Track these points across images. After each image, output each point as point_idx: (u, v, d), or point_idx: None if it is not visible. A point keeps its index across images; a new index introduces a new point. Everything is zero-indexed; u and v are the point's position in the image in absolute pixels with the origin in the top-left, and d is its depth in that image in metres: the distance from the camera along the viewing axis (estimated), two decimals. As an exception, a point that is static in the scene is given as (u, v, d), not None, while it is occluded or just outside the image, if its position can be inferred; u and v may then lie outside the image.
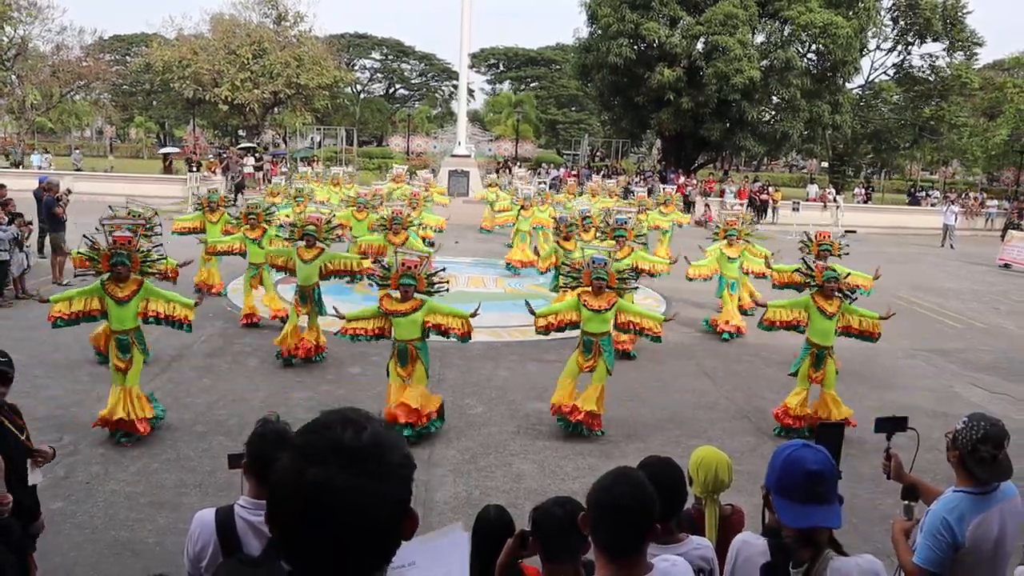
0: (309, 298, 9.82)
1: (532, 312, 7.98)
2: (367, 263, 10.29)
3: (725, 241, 12.29)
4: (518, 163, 40.77)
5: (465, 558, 2.03)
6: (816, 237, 11.05)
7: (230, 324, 11.47)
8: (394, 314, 7.52)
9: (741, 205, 28.01)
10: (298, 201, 16.25)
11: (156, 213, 12.10)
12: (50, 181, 15.46)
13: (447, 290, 8.02)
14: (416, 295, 7.54)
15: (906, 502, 3.44)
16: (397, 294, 7.57)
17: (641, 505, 2.21)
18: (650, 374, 10.09)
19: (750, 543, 2.61)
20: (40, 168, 30.81)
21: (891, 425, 3.54)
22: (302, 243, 9.78)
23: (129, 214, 11.13)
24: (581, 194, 22.96)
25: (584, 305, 7.87)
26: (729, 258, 12.20)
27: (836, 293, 8.11)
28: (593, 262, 8.04)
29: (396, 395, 7.53)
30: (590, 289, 7.91)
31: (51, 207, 14.34)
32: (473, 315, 7.67)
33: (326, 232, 10.05)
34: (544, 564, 2.75)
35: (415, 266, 7.68)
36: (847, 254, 10.99)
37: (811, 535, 2.39)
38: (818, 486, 2.36)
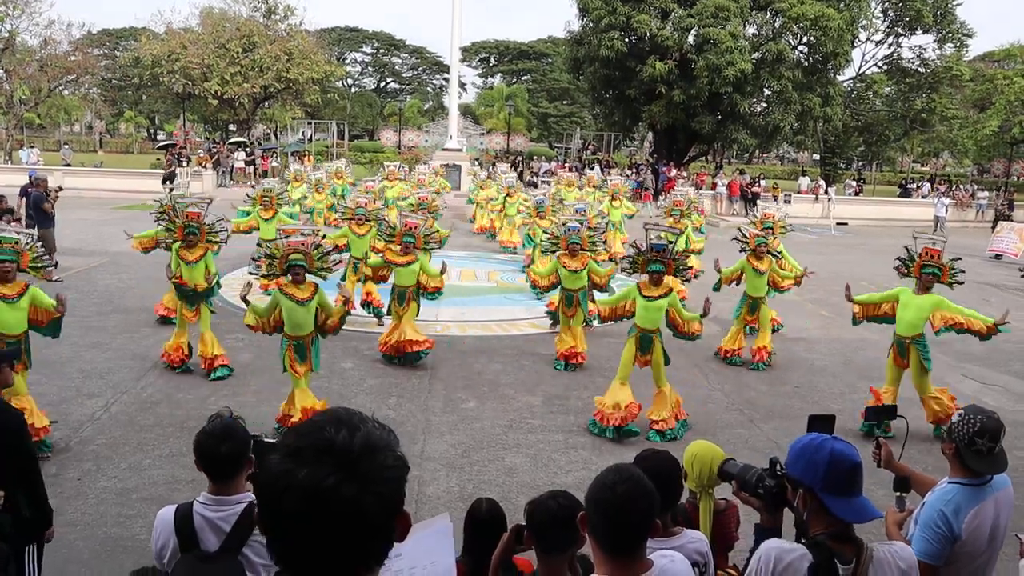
0: (307, 351, 7.37)
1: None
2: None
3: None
4: (497, 158, 40.85)
5: (450, 547, 2.03)
6: (922, 255, 8.27)
7: (222, 319, 11.38)
8: (396, 264, 9.48)
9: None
10: (318, 190, 16.39)
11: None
12: (38, 176, 15.41)
13: (439, 246, 10.66)
14: (414, 251, 9.53)
15: (898, 493, 3.44)
16: (398, 248, 9.50)
17: (644, 504, 2.19)
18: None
19: (786, 549, 2.42)
20: (28, 163, 30.62)
21: (881, 415, 3.54)
22: (287, 279, 7.32)
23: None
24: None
25: (564, 267, 9.74)
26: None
27: (767, 253, 10.10)
28: (568, 230, 9.82)
29: (396, 331, 9.49)
30: (567, 252, 9.73)
31: (40, 202, 14.26)
32: (442, 272, 9.75)
33: (318, 262, 7.52)
34: (539, 557, 2.74)
35: (415, 227, 9.59)
36: (961, 283, 8.38)
37: (847, 530, 2.37)
38: (860, 476, 2.37)
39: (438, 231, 11.01)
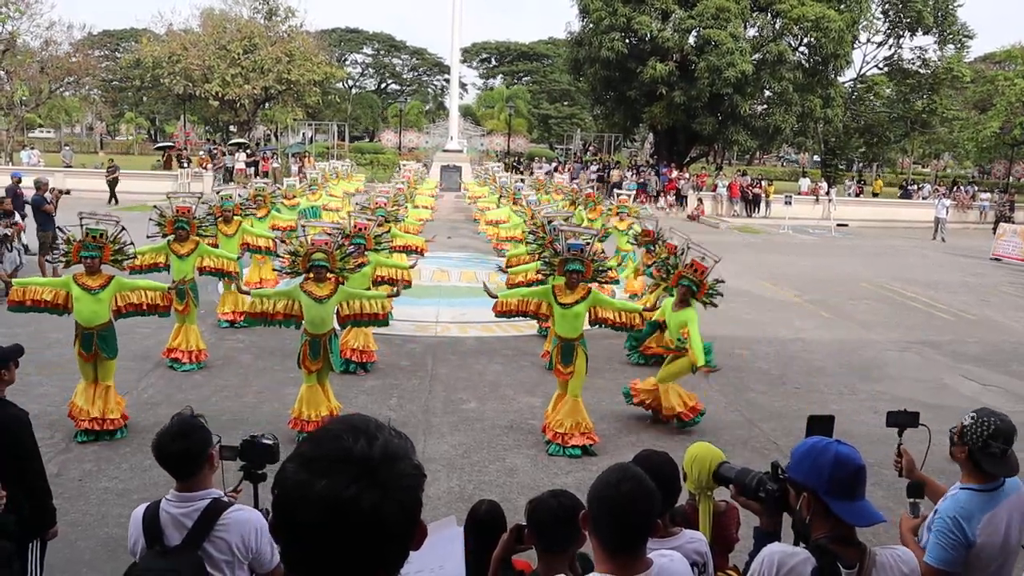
0: (323, 351, 7.19)
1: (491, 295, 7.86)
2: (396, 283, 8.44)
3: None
4: (497, 159, 40.94)
5: (459, 550, 2.04)
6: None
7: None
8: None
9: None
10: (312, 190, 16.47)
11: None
12: (38, 179, 15.33)
13: (390, 251, 10.23)
14: (365, 253, 9.08)
15: (911, 500, 3.42)
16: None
17: (647, 503, 2.20)
18: (639, 368, 10.10)
19: (788, 553, 2.42)
20: (29, 164, 30.62)
21: (902, 420, 3.50)
22: (309, 277, 7.23)
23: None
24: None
25: (556, 299, 7.33)
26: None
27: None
28: (571, 247, 7.50)
29: (349, 338, 9.04)
30: (565, 280, 7.36)
31: (40, 205, 14.23)
32: (411, 266, 9.98)
33: (341, 261, 7.40)
34: (539, 555, 2.76)
35: (366, 228, 9.37)
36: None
37: (850, 534, 2.37)
38: (864, 480, 2.38)
39: (391, 232, 11.09)
